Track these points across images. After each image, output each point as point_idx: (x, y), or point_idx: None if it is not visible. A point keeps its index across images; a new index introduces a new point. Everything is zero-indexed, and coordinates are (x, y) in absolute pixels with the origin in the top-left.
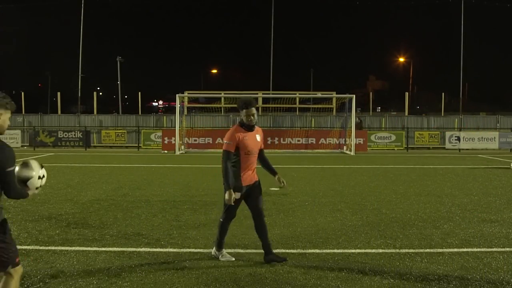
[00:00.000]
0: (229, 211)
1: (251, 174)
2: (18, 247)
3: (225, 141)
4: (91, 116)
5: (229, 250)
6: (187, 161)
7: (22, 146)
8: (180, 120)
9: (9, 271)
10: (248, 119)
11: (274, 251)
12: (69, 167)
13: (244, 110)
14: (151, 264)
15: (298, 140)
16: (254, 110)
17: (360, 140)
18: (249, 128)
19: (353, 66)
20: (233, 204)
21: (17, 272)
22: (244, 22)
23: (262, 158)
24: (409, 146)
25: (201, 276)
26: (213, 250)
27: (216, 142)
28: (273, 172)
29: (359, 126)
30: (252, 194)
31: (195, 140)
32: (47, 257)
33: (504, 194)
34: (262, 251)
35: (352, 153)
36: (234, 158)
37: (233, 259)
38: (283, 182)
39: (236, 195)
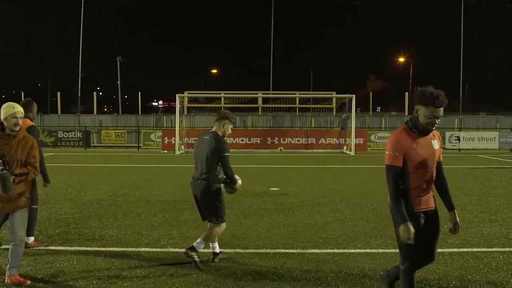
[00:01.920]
0: (410, 254)
1: (426, 197)
2: None
3: (388, 152)
4: (91, 116)
5: (229, 250)
6: (187, 161)
7: None
8: (180, 120)
9: (219, 224)
10: (428, 121)
11: (274, 251)
12: (69, 167)
13: (429, 108)
14: (151, 264)
15: (298, 140)
16: (441, 111)
17: (360, 140)
18: (423, 131)
19: (353, 66)
20: (413, 242)
21: (222, 227)
22: (244, 22)
23: (437, 178)
24: None
25: (201, 276)
26: None
27: None
28: (449, 205)
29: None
30: (427, 226)
31: (195, 140)
32: (47, 257)
33: (504, 194)
34: (262, 250)
35: (352, 153)
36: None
37: None
38: (455, 227)
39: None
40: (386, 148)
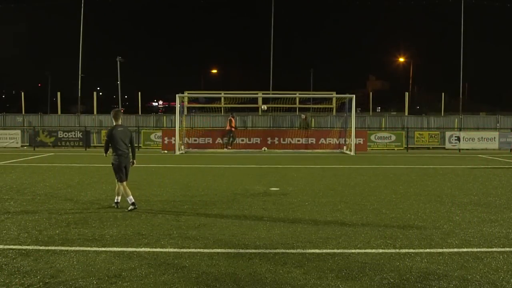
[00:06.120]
0: None
1: None
2: (18, 247)
3: None
4: (91, 116)
5: (229, 250)
6: (187, 161)
7: (22, 146)
8: (180, 120)
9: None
10: None
11: (275, 251)
12: (69, 167)
13: None
14: (151, 264)
15: (298, 140)
16: None
17: (360, 140)
18: None
19: (353, 66)
20: None
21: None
22: (244, 22)
23: None
24: (409, 146)
25: (201, 276)
26: None
27: (216, 142)
28: None
29: (304, 124)
30: None
31: (195, 140)
32: (47, 257)
33: (504, 194)
34: (262, 250)
35: (352, 153)
36: None
37: None
38: None
39: None
40: None
